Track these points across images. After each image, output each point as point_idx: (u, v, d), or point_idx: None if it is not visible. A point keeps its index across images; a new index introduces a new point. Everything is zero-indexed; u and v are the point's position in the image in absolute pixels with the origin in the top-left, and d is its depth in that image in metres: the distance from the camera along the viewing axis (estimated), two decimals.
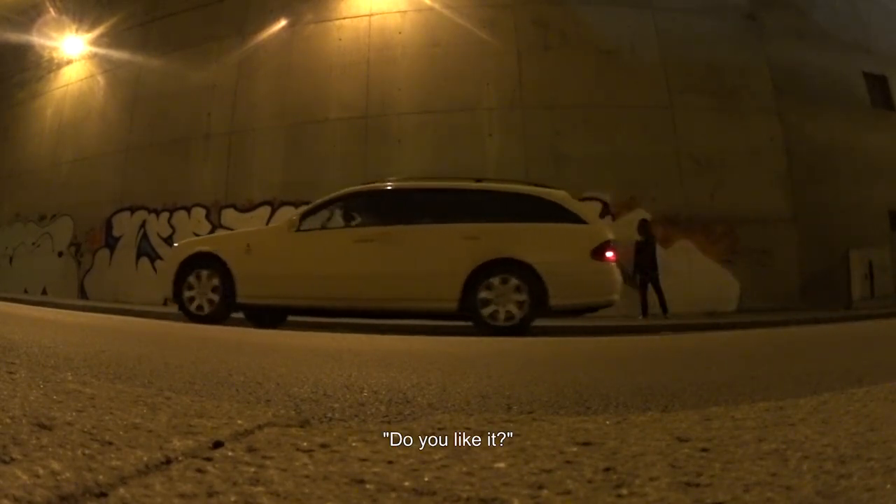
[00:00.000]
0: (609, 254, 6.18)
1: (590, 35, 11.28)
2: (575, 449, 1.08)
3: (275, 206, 11.48)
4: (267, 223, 10.95)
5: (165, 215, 12.57)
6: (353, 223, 6.76)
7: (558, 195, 6.49)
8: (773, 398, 1.71)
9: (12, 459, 0.85)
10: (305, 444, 1.08)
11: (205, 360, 2.79)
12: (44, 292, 13.83)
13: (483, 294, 5.94)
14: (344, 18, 12.20)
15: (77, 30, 14.88)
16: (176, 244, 7.89)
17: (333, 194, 6.74)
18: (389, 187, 6.87)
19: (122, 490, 0.77)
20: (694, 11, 11.47)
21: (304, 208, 6.86)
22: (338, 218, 6.73)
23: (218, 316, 6.29)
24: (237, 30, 12.81)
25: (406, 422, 1.46)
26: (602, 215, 10.49)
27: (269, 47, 12.50)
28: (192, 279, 6.41)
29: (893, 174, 11.33)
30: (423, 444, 1.11)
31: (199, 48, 12.99)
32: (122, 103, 13.85)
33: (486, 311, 5.91)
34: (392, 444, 1.10)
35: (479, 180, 6.88)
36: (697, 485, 0.85)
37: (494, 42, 11.28)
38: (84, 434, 1.02)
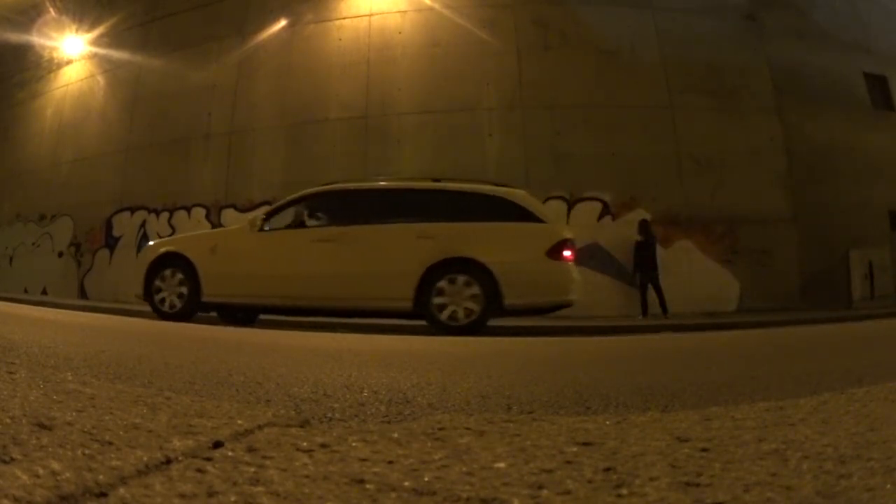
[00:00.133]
0: (566, 253, 6.17)
1: (590, 35, 11.27)
2: (575, 449, 1.08)
3: None
4: None
5: (165, 215, 12.57)
6: (315, 223, 6.87)
7: (517, 194, 6.52)
8: (773, 398, 1.71)
9: (12, 459, 0.85)
10: (305, 444, 1.08)
11: (205, 360, 2.79)
12: (44, 292, 13.82)
13: (437, 293, 5.98)
14: (344, 18, 12.20)
15: (77, 30, 14.87)
16: (148, 244, 8.08)
17: (295, 195, 6.89)
18: (350, 188, 6.96)
19: (122, 490, 0.77)
20: (694, 11, 11.47)
21: (266, 209, 7.01)
22: (303, 218, 6.85)
23: (185, 313, 6.48)
24: (237, 30, 12.81)
25: (406, 422, 1.46)
26: (602, 215, 10.51)
27: (269, 47, 12.50)
28: (161, 278, 6.64)
29: (893, 174, 11.34)
30: (423, 444, 1.11)
31: (199, 48, 12.98)
32: (122, 103, 13.85)
33: (440, 311, 5.96)
34: (392, 444, 1.10)
35: (436, 180, 6.93)
36: (697, 485, 0.85)
37: (494, 42, 11.28)
38: (84, 434, 1.02)
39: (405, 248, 6.14)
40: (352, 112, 11.57)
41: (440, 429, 1.24)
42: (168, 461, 0.91)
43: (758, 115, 11.11)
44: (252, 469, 0.90)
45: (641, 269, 9.68)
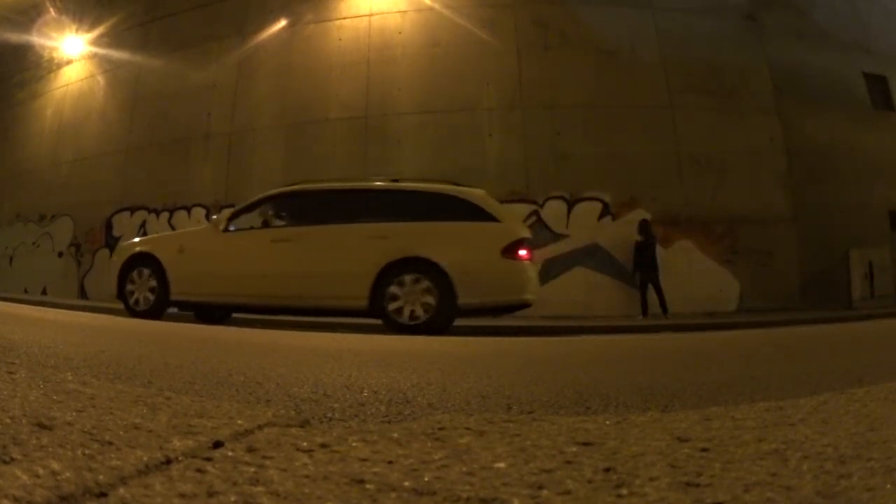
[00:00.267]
0: (522, 252, 6.16)
1: (590, 35, 11.27)
2: (575, 449, 1.08)
3: None
4: None
5: (165, 215, 12.57)
6: (280, 224, 6.99)
7: (474, 194, 6.54)
8: (773, 398, 1.71)
9: (12, 459, 0.85)
10: (305, 444, 1.08)
11: (205, 360, 2.79)
12: (44, 292, 13.82)
13: (392, 293, 6.01)
14: (344, 18, 12.20)
15: (77, 30, 14.87)
16: (121, 244, 8.29)
17: (259, 196, 7.04)
18: (311, 188, 7.02)
19: (122, 490, 0.77)
20: (694, 11, 11.47)
21: (229, 210, 7.19)
22: (268, 219, 6.99)
23: (154, 311, 6.66)
24: (237, 30, 12.81)
25: (406, 422, 1.46)
26: (602, 215, 10.51)
27: (269, 47, 12.50)
28: (133, 277, 6.86)
29: (893, 174, 11.34)
30: (423, 444, 1.11)
31: (199, 48, 12.99)
32: (122, 103, 13.85)
33: (394, 310, 5.99)
34: (392, 444, 1.10)
35: (395, 180, 7.00)
36: (697, 485, 0.85)
37: (494, 42, 11.28)
38: (84, 434, 1.02)
39: (360, 248, 6.20)
40: (352, 112, 11.57)
41: (440, 429, 1.24)
42: (168, 461, 0.91)
43: (758, 115, 11.11)
44: (252, 469, 0.90)
45: (641, 269, 9.69)
